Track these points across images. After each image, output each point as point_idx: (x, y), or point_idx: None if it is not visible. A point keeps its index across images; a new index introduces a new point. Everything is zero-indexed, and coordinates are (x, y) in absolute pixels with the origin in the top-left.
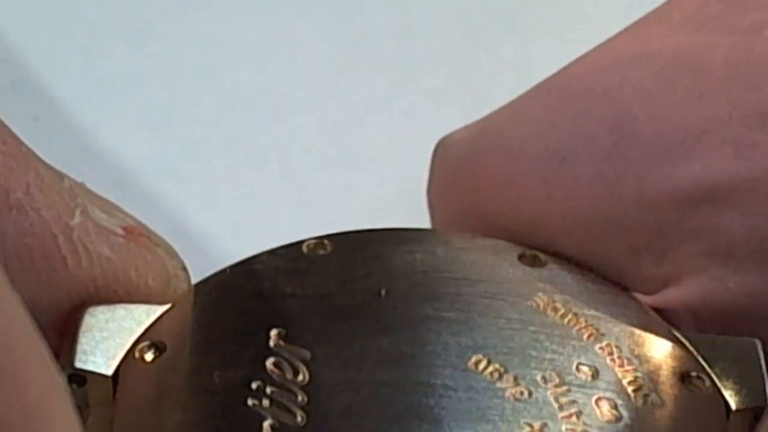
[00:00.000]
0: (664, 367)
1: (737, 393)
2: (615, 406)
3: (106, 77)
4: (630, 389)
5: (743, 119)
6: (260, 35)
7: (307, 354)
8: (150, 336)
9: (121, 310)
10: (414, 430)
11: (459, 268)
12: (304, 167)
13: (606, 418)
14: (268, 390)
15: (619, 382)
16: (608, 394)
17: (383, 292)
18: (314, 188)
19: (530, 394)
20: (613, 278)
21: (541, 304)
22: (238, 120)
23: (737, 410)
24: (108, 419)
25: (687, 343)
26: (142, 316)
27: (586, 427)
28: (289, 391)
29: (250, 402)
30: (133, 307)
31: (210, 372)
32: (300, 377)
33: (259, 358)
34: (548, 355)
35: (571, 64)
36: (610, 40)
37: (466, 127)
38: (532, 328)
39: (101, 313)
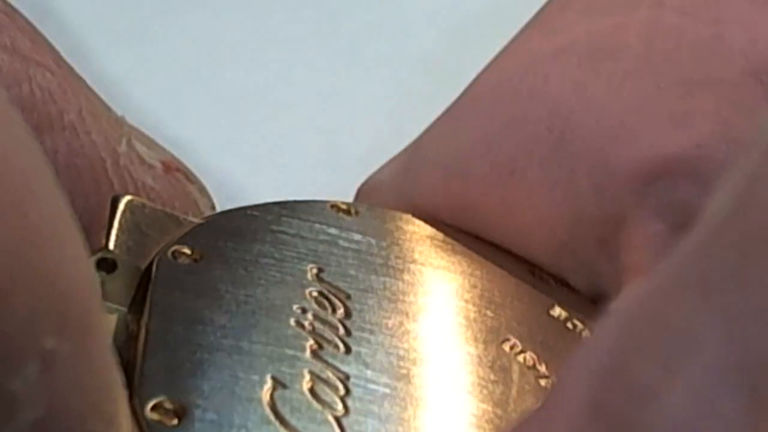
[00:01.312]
0: None
1: None
2: None
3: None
4: None
5: (671, 89)
6: (253, 36)
7: (344, 294)
8: (186, 240)
9: (159, 212)
10: (441, 381)
11: (475, 262)
12: (298, 167)
13: None
14: (309, 316)
15: None
16: None
17: (413, 261)
18: (307, 188)
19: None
20: (588, 281)
21: (550, 311)
22: (228, 121)
23: None
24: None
25: None
26: (177, 222)
27: None
28: (329, 321)
29: (292, 321)
30: (170, 211)
31: (253, 286)
32: (340, 311)
33: (299, 285)
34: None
35: (486, 70)
36: (519, 39)
37: (388, 164)
38: (550, 330)
39: (139, 208)
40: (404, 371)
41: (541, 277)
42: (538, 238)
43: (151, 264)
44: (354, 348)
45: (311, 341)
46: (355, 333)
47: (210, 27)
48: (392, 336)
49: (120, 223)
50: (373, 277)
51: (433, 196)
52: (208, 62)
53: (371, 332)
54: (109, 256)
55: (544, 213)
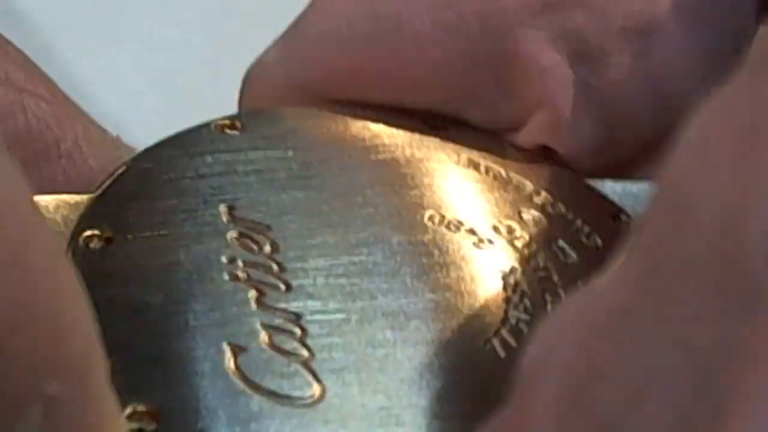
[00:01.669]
0: (597, 211)
1: None
2: (565, 250)
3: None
4: (575, 233)
5: None
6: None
7: (263, 226)
8: (92, 222)
9: (53, 201)
10: (384, 284)
11: (375, 135)
12: None
13: (566, 261)
14: (240, 263)
15: (564, 227)
16: (559, 240)
17: (315, 162)
18: None
19: (491, 242)
20: (489, 120)
21: (462, 162)
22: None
23: None
24: None
25: (607, 192)
26: (74, 207)
27: (549, 272)
28: (261, 263)
29: (226, 276)
30: (62, 197)
31: (175, 250)
32: (266, 248)
33: (218, 233)
34: (492, 207)
35: None
36: None
37: (273, 46)
38: (467, 184)
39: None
40: (349, 288)
41: (441, 127)
42: (433, 86)
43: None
44: (293, 282)
45: (252, 291)
46: (288, 266)
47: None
48: (325, 255)
49: None
50: (283, 196)
51: (322, 67)
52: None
53: (303, 259)
54: None
55: (437, 60)
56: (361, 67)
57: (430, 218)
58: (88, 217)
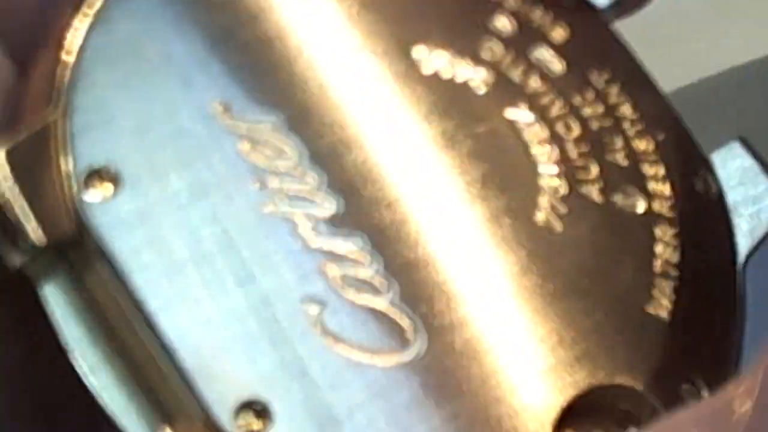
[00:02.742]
0: None
1: None
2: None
3: None
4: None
5: None
6: None
7: (268, 122)
8: None
9: None
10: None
11: None
12: None
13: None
14: (273, 185)
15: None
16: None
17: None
18: None
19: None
20: None
21: None
22: None
23: None
24: None
25: None
26: None
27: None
28: (294, 173)
29: (267, 210)
30: None
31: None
32: (288, 150)
33: (230, 151)
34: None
35: None
36: None
37: None
38: None
39: None
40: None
41: None
42: None
43: None
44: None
45: (305, 221)
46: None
47: None
48: (352, 148)
49: None
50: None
51: None
52: None
53: (328, 169)
54: None
55: None
56: None
57: (422, 52)
58: None
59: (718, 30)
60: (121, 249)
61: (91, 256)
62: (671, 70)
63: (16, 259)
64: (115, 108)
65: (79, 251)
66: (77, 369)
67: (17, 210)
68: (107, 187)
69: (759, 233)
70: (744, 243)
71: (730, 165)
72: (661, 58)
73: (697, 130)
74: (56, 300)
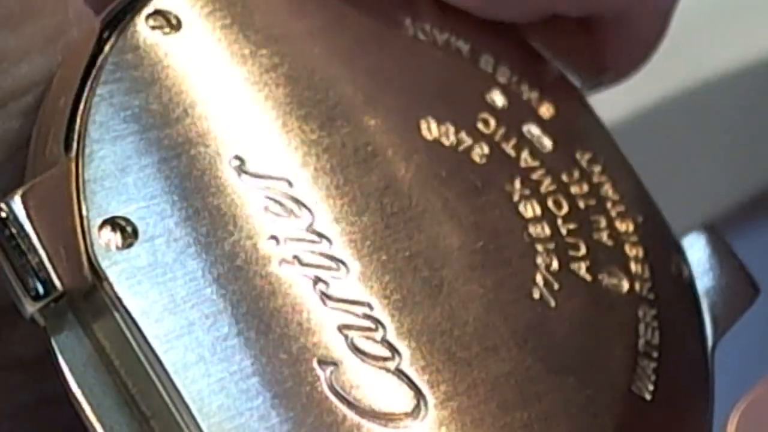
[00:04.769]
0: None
1: None
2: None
3: None
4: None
5: None
6: None
7: (282, 181)
8: None
9: None
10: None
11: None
12: None
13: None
14: (290, 245)
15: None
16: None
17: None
18: None
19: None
20: None
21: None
22: None
23: None
24: None
25: None
26: None
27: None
28: (307, 236)
29: (285, 268)
30: None
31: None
32: (301, 213)
33: (249, 208)
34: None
35: None
36: None
37: None
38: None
39: None
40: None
41: None
42: None
43: None
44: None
45: (320, 285)
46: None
47: None
48: (358, 215)
49: None
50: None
51: None
52: None
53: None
54: None
55: None
56: None
57: (428, 127)
58: None
59: (718, 31)
60: (135, 300)
61: (104, 305)
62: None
63: (29, 307)
64: (132, 158)
65: (91, 300)
66: (83, 420)
67: (32, 254)
68: (123, 237)
69: (724, 325)
70: (710, 330)
71: (697, 252)
72: (661, 57)
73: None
74: (67, 349)
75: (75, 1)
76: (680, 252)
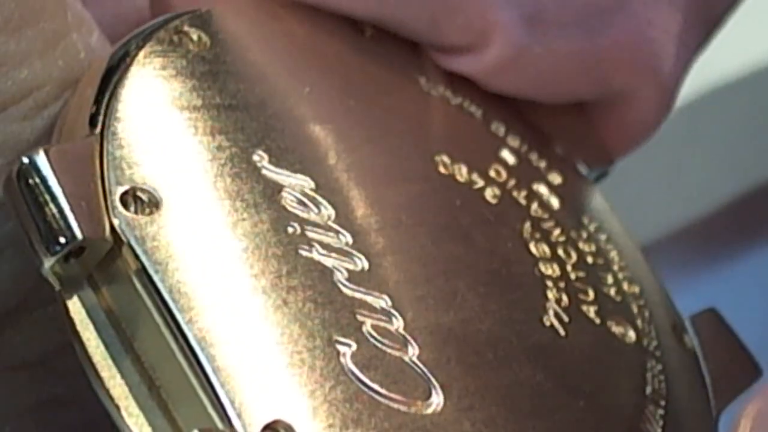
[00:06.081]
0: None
1: None
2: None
3: None
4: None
5: None
6: None
7: (306, 178)
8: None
9: None
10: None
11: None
12: None
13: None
14: (310, 234)
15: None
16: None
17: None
18: None
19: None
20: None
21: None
22: None
23: None
24: None
25: None
26: None
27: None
28: (327, 229)
29: (303, 252)
30: None
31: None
32: (322, 210)
33: (271, 196)
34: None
35: None
36: None
37: None
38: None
39: None
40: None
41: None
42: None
43: None
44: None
45: (339, 273)
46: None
47: None
48: (376, 219)
49: None
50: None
51: None
52: None
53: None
54: None
55: None
56: None
57: (444, 164)
58: None
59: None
60: (156, 266)
61: (121, 272)
62: None
63: (47, 262)
64: (158, 136)
65: (106, 267)
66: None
67: (55, 207)
68: (144, 206)
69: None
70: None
71: (700, 333)
72: None
73: None
74: (79, 310)
75: (74, 6)
76: (683, 326)
